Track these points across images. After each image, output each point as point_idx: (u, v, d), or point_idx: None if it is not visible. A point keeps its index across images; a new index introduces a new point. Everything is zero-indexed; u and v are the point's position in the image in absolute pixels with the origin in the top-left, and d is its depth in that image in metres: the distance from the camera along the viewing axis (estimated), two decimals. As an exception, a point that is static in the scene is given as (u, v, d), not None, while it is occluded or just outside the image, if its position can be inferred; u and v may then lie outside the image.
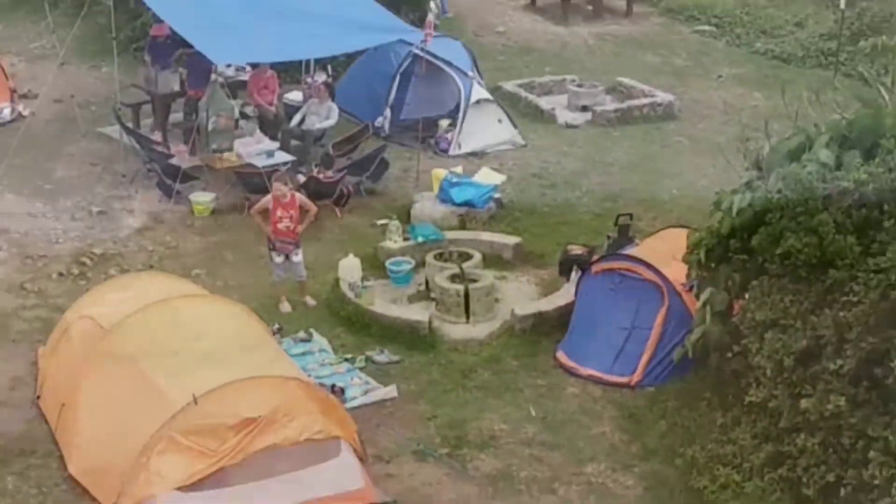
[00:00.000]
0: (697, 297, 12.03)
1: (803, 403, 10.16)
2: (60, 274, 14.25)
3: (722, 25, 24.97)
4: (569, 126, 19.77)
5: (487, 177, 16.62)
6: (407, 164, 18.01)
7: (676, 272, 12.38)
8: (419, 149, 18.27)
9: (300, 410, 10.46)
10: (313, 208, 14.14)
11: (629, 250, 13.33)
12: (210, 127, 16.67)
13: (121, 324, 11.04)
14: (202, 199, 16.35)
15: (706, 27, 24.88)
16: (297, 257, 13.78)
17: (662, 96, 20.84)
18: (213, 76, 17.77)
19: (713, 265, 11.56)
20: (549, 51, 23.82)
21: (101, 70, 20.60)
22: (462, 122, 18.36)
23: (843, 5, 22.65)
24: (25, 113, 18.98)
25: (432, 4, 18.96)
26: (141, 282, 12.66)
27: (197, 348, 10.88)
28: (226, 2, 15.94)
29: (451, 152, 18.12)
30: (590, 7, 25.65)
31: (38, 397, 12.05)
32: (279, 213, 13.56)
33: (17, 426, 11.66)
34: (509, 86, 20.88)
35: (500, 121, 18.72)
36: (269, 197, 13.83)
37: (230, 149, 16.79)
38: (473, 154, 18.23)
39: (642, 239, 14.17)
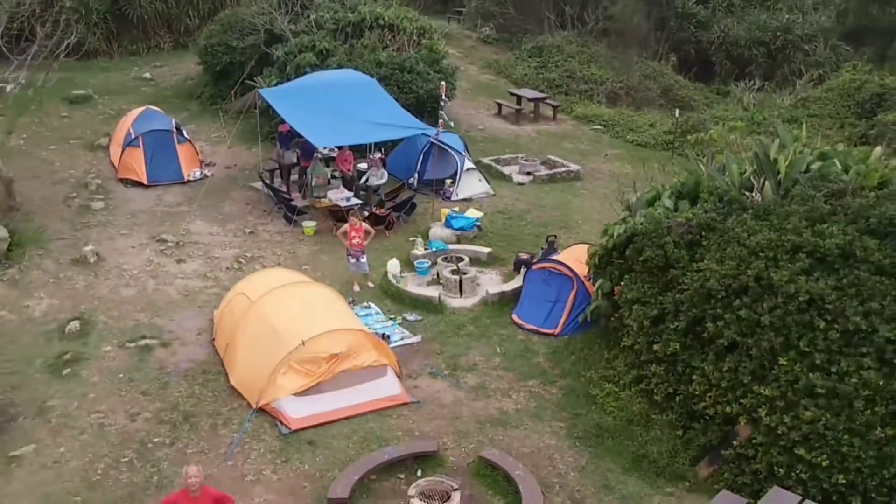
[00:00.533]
0: (594, 284, 15.37)
1: (655, 347, 12.88)
2: (227, 268, 18.31)
3: (608, 125, 30.44)
4: (519, 184, 24.32)
5: (473, 214, 20.76)
6: (426, 206, 21.96)
7: (582, 269, 15.90)
8: (433, 196, 22.45)
9: (363, 348, 13.51)
10: (372, 232, 18.07)
11: (554, 256, 16.86)
12: (313, 183, 21.20)
13: (261, 298, 14.28)
14: (309, 224, 20.41)
15: (598, 126, 30.38)
16: (363, 259, 17.55)
17: (573, 166, 25.36)
18: (315, 154, 22.04)
19: (603, 266, 14.80)
20: (508, 140, 28.64)
21: (252, 150, 25.13)
22: (458, 181, 22.78)
23: (677, 115, 27.71)
24: (208, 174, 23.68)
25: (442, 113, 23.37)
26: (273, 274, 15.94)
27: (305, 311, 14.00)
28: (318, 108, 20.76)
29: (452, 198, 22.65)
30: (532, 115, 30.76)
31: (214, 339, 15.24)
32: (353, 233, 17.34)
33: (201, 356, 14.95)
34: (486, 160, 25.47)
35: (480, 180, 23.26)
36: (346, 224, 17.60)
37: (324, 196, 21.09)
38: (465, 199, 22.65)
39: (562, 250, 17.84)
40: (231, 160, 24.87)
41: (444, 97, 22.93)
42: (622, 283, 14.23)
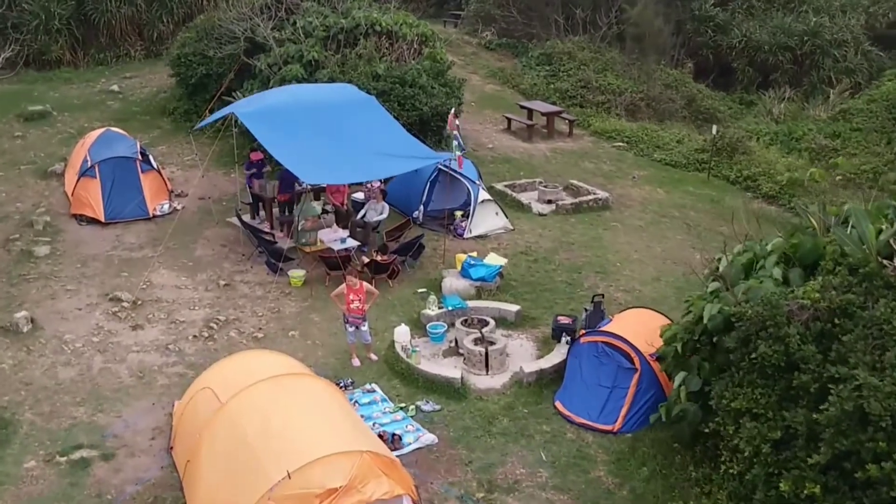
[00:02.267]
0: (668, 374, 11.67)
1: (782, 486, 9.18)
2: (195, 336, 14.58)
3: (631, 142, 26.53)
4: (540, 215, 20.60)
5: (494, 260, 17.01)
6: (435, 245, 18.33)
7: (644, 344, 12.32)
8: (443, 233, 18.86)
9: (371, 476, 9.83)
10: (375, 293, 14.37)
11: (606, 326, 13.15)
12: (300, 227, 17.48)
13: (234, 398, 10.59)
14: (297, 274, 16.70)
15: (621, 143, 26.39)
16: (364, 327, 13.94)
17: (601, 193, 21.66)
18: (302, 187, 18.54)
19: (687, 355, 11.15)
20: (521, 160, 24.77)
21: (230, 175, 21.50)
22: (472, 215, 19.12)
23: (715, 131, 24.33)
24: (179, 207, 19.89)
25: (456, 143, 19.31)
26: (250, 361, 11.97)
27: (293, 424, 10.28)
28: (307, 133, 16.85)
29: (465, 236, 19.00)
30: (545, 130, 26.96)
31: (171, 448, 11.55)
32: (351, 296, 13.73)
33: (154, 472, 11.33)
34: (500, 186, 21.82)
35: (496, 213, 19.56)
36: (343, 286, 13.83)
37: (314, 243, 17.50)
38: (480, 237, 19.04)
39: (611, 313, 14.42)
40: (206, 189, 21.10)
41: (457, 124, 18.75)
42: (720, 384, 10.49)
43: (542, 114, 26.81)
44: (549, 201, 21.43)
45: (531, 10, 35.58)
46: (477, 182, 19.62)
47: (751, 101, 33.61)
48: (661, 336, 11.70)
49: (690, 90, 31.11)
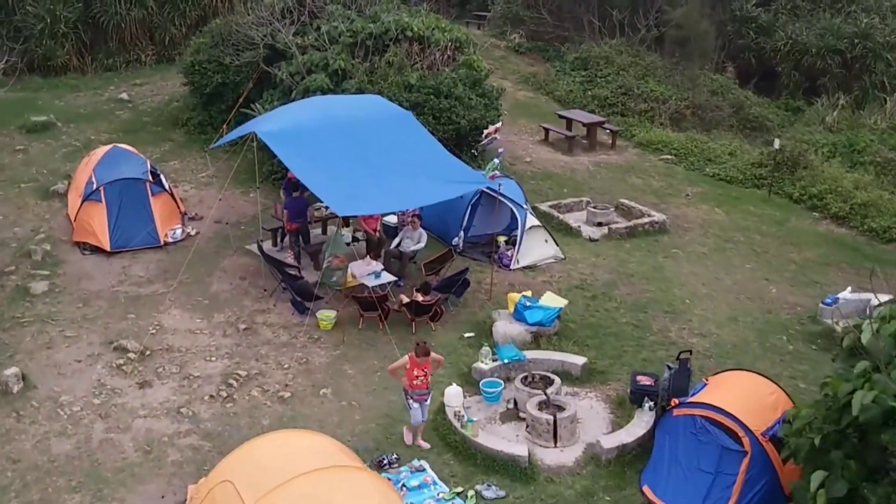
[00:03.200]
0: (803, 468, 9.30)
1: None
2: (211, 396, 12.52)
3: (679, 155, 24.30)
4: (591, 240, 18.49)
5: (552, 300, 14.75)
6: (479, 277, 16.26)
7: (753, 420, 10.23)
8: (487, 262, 16.79)
9: None
10: (441, 360, 12.31)
11: (701, 393, 11.05)
12: (325, 264, 15.32)
13: (264, 499, 8.43)
14: (326, 315, 14.60)
15: (668, 156, 24.17)
16: (427, 402, 11.76)
17: (657, 215, 19.52)
18: (315, 212, 16.92)
19: (827, 450, 8.82)
20: (563, 175, 22.55)
21: (249, 195, 19.50)
22: (520, 244, 16.96)
23: (776, 145, 21.97)
24: (193, 233, 17.87)
25: (497, 161, 17.93)
26: (283, 445, 9.68)
27: None
28: (339, 155, 14.82)
29: (511, 267, 16.84)
30: (586, 142, 24.65)
31: None
32: (416, 371, 11.50)
33: None
34: (544, 206, 19.67)
35: (546, 241, 17.37)
36: (405, 358, 11.64)
37: (344, 284, 15.24)
38: (528, 268, 16.90)
39: (699, 373, 12.27)
40: (222, 211, 18.81)
41: (499, 146, 16.48)
42: (880, 491, 8.31)
43: (584, 124, 24.44)
44: (600, 224, 19.13)
45: (563, 12, 33.24)
46: (524, 206, 17.14)
47: (798, 108, 31.22)
48: (788, 420, 9.45)
49: (737, 97, 28.76)
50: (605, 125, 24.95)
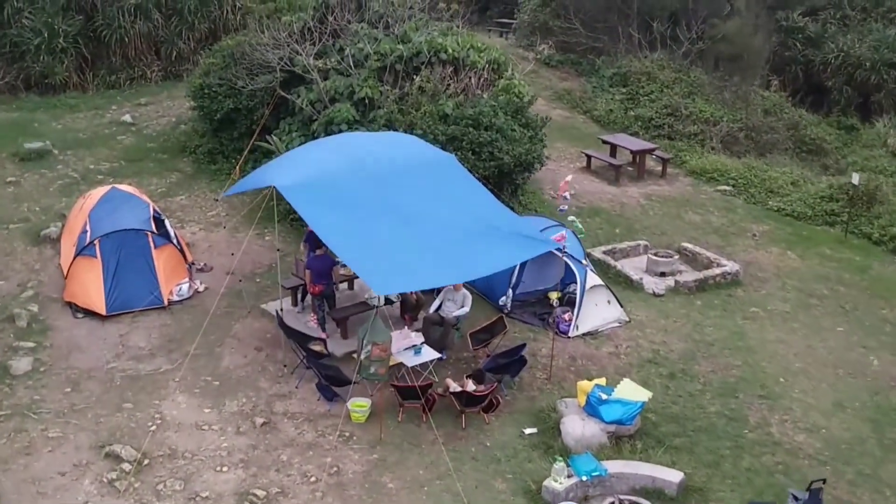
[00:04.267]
0: None
1: None
2: None
3: (738, 186, 21.78)
4: (656, 295, 16.15)
5: (631, 390, 12.35)
6: (533, 346, 13.87)
7: None
8: (540, 326, 14.60)
9: None
10: None
11: None
12: (364, 354, 12.03)
13: None
14: (359, 405, 12.20)
15: (726, 187, 21.70)
16: None
17: (728, 264, 17.12)
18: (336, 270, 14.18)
19: None
20: (612, 211, 20.07)
21: (265, 238, 17.14)
22: (580, 307, 14.51)
23: (856, 180, 19.50)
24: (201, 289, 15.52)
25: (573, 218, 14.58)
26: None
27: None
28: (372, 211, 12.34)
29: (570, 334, 14.42)
30: (630, 168, 22.20)
31: None
32: None
33: None
34: (597, 253, 17.26)
35: (609, 301, 14.99)
36: None
37: (384, 377, 12.25)
38: (589, 334, 14.54)
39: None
40: (235, 260, 15.94)
41: (566, 196, 13.89)
42: None
43: (632, 152, 21.74)
44: (663, 274, 16.48)
45: (597, 22, 30.48)
46: (584, 262, 14.52)
47: (852, 126, 28.60)
48: None
49: (792, 116, 26.11)
50: (657, 152, 22.17)
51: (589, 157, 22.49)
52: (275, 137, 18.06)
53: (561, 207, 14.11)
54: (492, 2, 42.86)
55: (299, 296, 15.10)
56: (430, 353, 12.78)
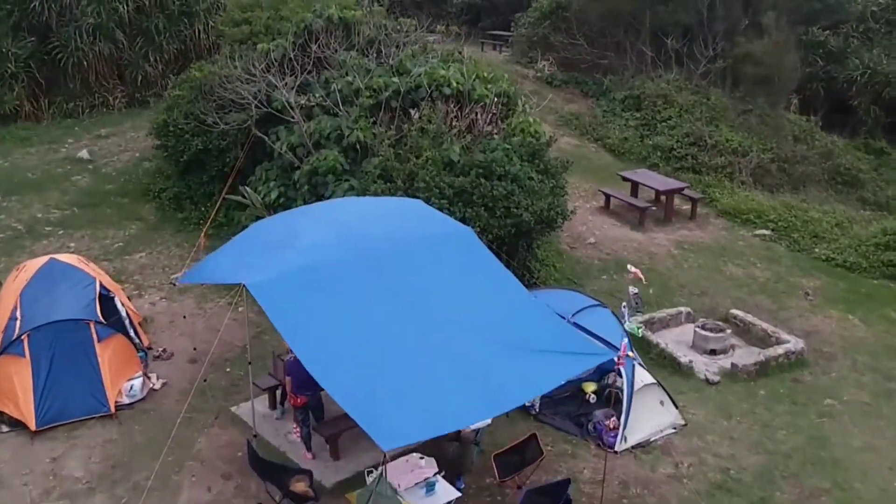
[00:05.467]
0: None
1: None
2: None
3: (778, 229, 19.03)
4: (710, 383, 13.24)
5: None
6: (572, 467, 11.06)
7: None
8: (578, 435, 11.77)
9: None
10: None
11: None
12: None
13: None
14: None
15: (765, 231, 18.95)
16: None
17: (790, 340, 14.26)
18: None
19: None
20: (641, 263, 17.05)
21: (239, 309, 12.85)
22: (627, 413, 11.53)
23: None
24: (157, 386, 12.49)
25: (629, 308, 12.55)
26: None
27: None
28: (374, 320, 9.29)
29: (617, 447, 11.43)
30: (654, 206, 19.42)
31: None
32: None
33: None
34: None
35: (661, 402, 12.09)
36: None
37: None
38: (640, 446, 11.56)
39: None
40: (200, 337, 13.23)
41: (638, 299, 10.82)
42: None
43: (660, 192, 18.65)
44: (713, 351, 13.37)
45: (603, 38, 27.37)
46: (631, 354, 11.41)
47: (881, 150, 25.66)
48: None
49: (824, 143, 23.09)
50: (686, 191, 19.16)
51: (608, 196, 19.38)
52: (248, 189, 14.80)
53: (632, 312, 10.86)
54: (483, 12, 39.69)
55: (278, 397, 11.84)
56: (447, 493, 9.65)
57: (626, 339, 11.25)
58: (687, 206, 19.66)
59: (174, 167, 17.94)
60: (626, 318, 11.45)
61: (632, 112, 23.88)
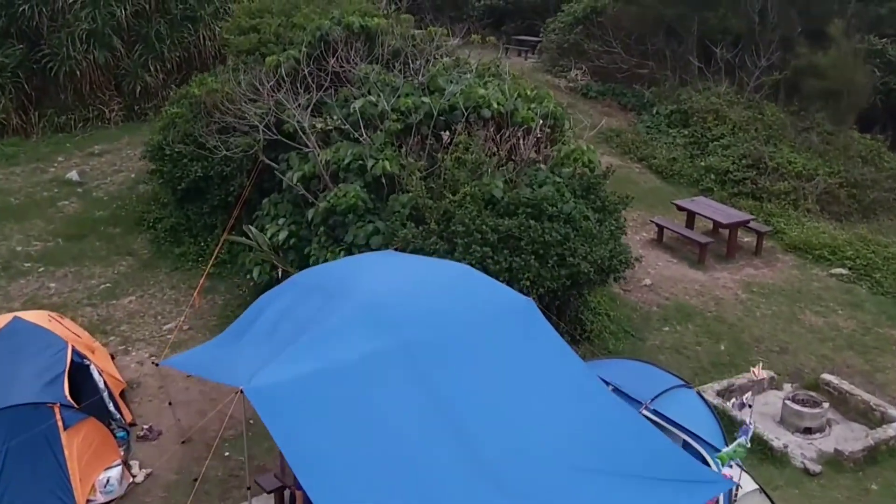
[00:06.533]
0: None
1: None
2: None
3: (856, 268, 16.53)
4: (810, 473, 10.83)
5: None
6: None
7: None
8: None
9: None
10: None
11: None
12: None
13: None
14: None
15: (842, 270, 16.46)
16: None
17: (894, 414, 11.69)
18: None
19: None
20: (706, 311, 14.76)
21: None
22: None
23: None
24: (140, 478, 10.17)
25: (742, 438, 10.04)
26: None
27: None
28: (414, 440, 7.02)
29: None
30: (711, 239, 16.90)
31: None
32: None
33: None
34: (709, 395, 11.61)
35: None
36: None
37: None
38: None
39: None
40: (194, 411, 11.02)
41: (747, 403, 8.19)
42: None
43: (723, 225, 16.06)
44: (809, 430, 10.81)
45: (642, 45, 24.77)
46: (737, 462, 8.81)
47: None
48: None
49: (893, 164, 20.32)
50: (751, 223, 16.58)
51: (661, 227, 16.77)
52: (254, 229, 12.30)
53: (744, 426, 8.26)
54: (506, 16, 37.10)
55: (286, 499, 9.33)
56: None
57: (740, 445, 8.58)
58: (749, 239, 17.01)
59: (171, 195, 15.45)
60: (747, 435, 8.81)
61: (678, 128, 21.30)
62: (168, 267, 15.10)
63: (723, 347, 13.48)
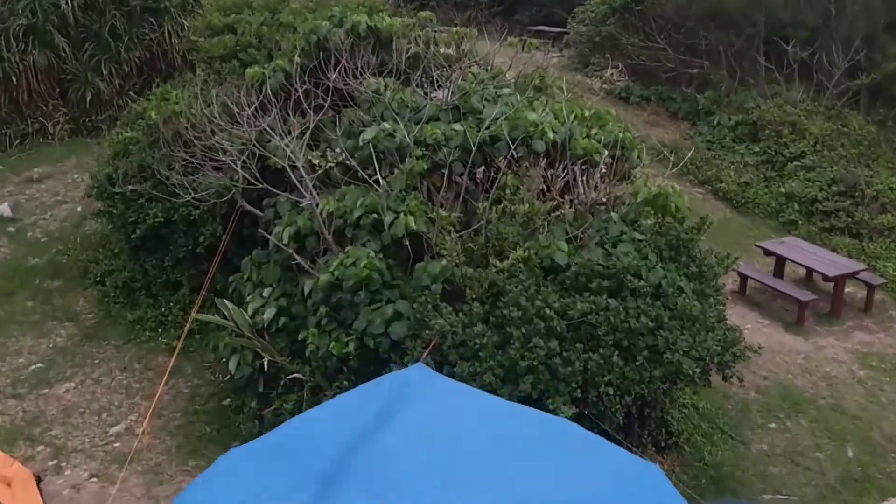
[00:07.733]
0: None
1: None
2: None
3: None
4: None
5: None
6: None
7: None
8: None
9: None
10: None
11: None
12: None
13: None
14: None
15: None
16: None
17: None
18: None
19: None
20: (818, 396, 12.22)
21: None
22: None
23: None
24: None
25: None
26: None
27: None
28: None
29: None
30: (812, 294, 14.31)
31: None
32: None
33: None
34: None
35: None
36: None
37: None
38: None
39: None
40: None
41: None
42: None
43: (830, 278, 13.39)
44: None
45: (691, 39, 22.18)
46: None
47: None
48: None
49: None
50: (860, 275, 13.93)
51: (744, 277, 14.13)
52: (229, 304, 9.58)
53: None
54: (520, 2, 34.49)
55: None
56: None
57: None
58: (850, 289, 14.37)
59: (124, 242, 12.73)
60: None
61: (747, 144, 18.73)
62: (118, 338, 12.44)
63: (851, 454, 10.84)
